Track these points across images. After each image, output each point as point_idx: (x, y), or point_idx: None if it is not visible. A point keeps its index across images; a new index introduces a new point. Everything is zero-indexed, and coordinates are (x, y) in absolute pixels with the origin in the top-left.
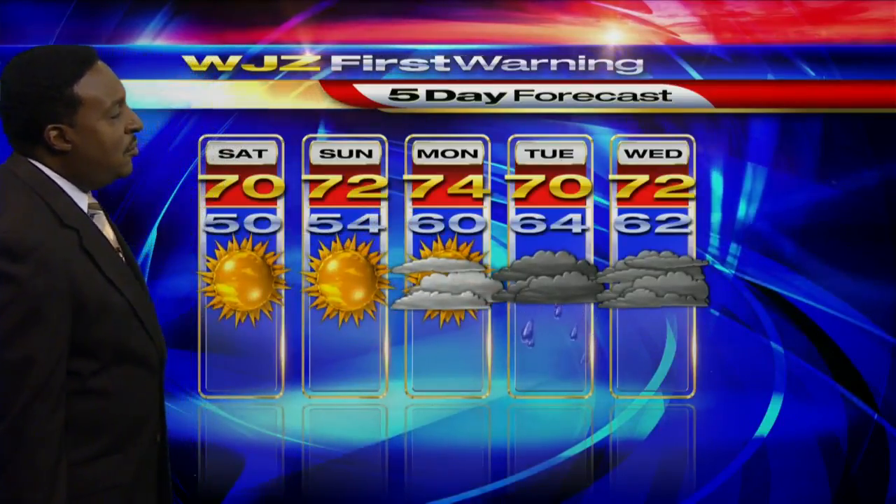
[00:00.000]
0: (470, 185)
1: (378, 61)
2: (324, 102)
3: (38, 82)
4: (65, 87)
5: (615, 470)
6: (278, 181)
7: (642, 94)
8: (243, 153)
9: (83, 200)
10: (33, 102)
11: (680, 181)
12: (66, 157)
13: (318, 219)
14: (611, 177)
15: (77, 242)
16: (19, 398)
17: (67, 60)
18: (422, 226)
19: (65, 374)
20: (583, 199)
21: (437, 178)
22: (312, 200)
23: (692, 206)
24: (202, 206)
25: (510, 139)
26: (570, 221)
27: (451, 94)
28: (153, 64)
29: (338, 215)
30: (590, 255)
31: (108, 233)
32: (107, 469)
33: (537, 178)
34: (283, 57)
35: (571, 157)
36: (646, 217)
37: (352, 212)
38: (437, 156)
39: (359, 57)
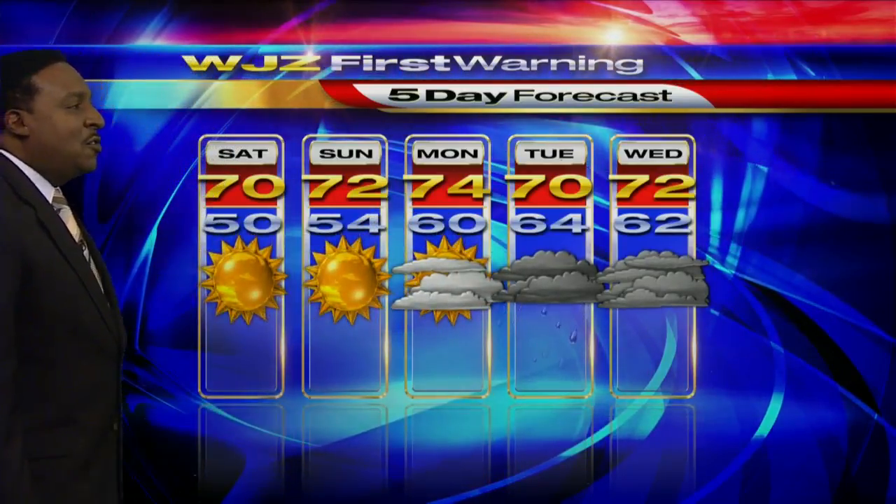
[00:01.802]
0: (470, 185)
1: (378, 61)
2: (324, 102)
3: (2, 74)
4: (23, 76)
5: (615, 470)
6: (278, 181)
7: (642, 94)
8: (243, 153)
9: (48, 192)
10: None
11: (680, 181)
12: (27, 144)
13: (318, 219)
14: (611, 177)
15: (34, 217)
16: None
17: (31, 56)
18: (422, 226)
19: (11, 329)
20: (583, 199)
21: (437, 178)
22: (312, 200)
23: (692, 206)
24: (202, 206)
25: (510, 139)
26: (570, 221)
27: (451, 94)
28: (153, 64)
29: (338, 215)
30: (590, 255)
31: (72, 227)
32: (52, 438)
33: (537, 178)
34: (283, 57)
35: (571, 157)
36: (646, 217)
37: (352, 212)
38: (437, 156)
39: (359, 57)
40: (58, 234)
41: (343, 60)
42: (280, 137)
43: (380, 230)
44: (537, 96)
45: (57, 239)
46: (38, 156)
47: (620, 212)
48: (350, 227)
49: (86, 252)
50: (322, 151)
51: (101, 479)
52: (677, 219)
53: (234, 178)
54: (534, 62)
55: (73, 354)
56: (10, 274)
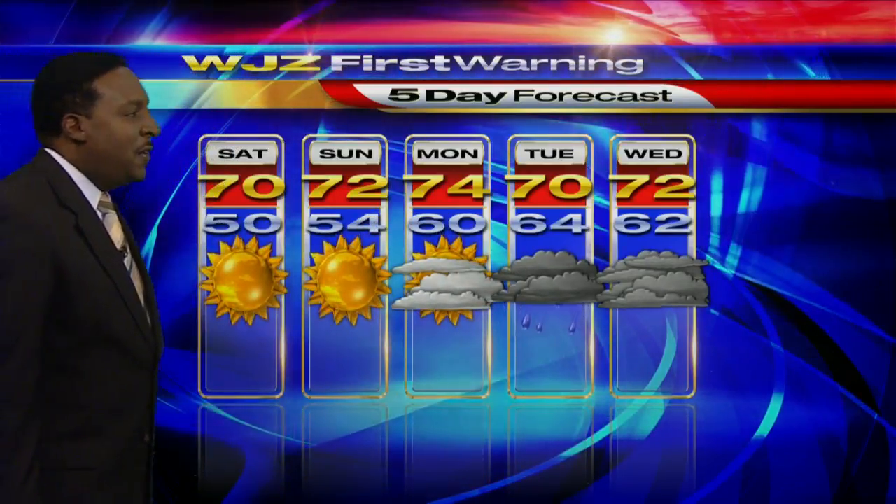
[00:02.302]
0: (470, 185)
1: (378, 61)
2: (324, 102)
3: (62, 76)
4: (85, 80)
5: (615, 470)
6: (278, 181)
7: (642, 94)
8: (243, 153)
9: (94, 195)
10: (55, 94)
11: (680, 181)
12: (81, 148)
13: (318, 219)
14: (611, 177)
15: (72, 223)
16: None
17: (92, 59)
18: (422, 226)
19: (36, 337)
20: (583, 199)
21: (437, 178)
22: (312, 200)
23: (692, 206)
24: (202, 206)
25: (510, 139)
26: (570, 221)
27: (451, 94)
28: (153, 64)
29: (338, 215)
30: (590, 255)
31: (115, 232)
32: (77, 449)
33: (537, 178)
34: (283, 57)
35: (571, 157)
36: (646, 217)
37: (352, 212)
38: (437, 156)
39: (359, 57)
40: (96, 241)
41: (343, 60)
42: (280, 137)
43: (380, 230)
44: (537, 96)
45: (94, 246)
46: (90, 161)
47: (620, 212)
48: (350, 227)
49: (127, 259)
50: (322, 151)
51: (128, 491)
52: (677, 219)
53: (234, 178)
54: (534, 62)
55: (105, 364)
56: (40, 282)
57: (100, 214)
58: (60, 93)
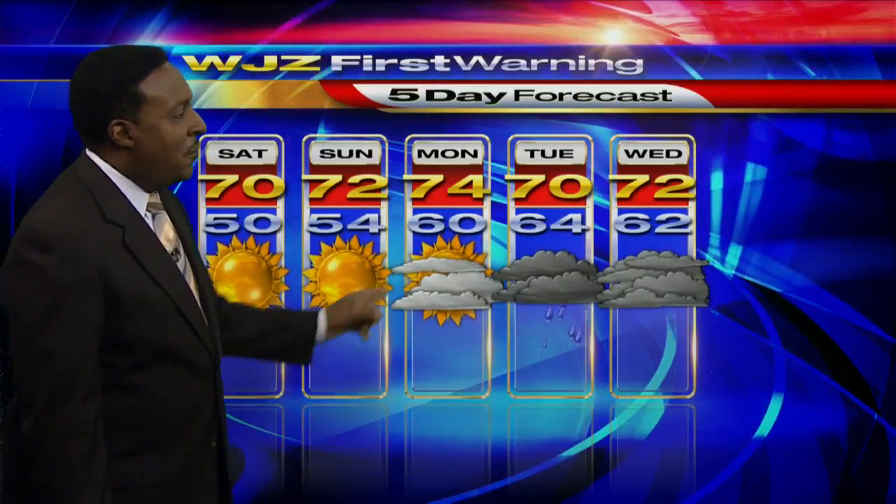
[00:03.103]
0: (470, 185)
1: (378, 61)
2: (324, 102)
3: (106, 79)
4: (130, 83)
5: (615, 470)
6: (278, 181)
7: (642, 94)
8: (243, 153)
9: (142, 199)
10: (100, 98)
11: (680, 181)
12: (128, 154)
13: (318, 219)
14: (611, 177)
15: (119, 238)
16: (43, 391)
17: (135, 59)
18: (422, 226)
19: (94, 365)
20: (583, 199)
21: (437, 178)
22: (312, 200)
23: (692, 206)
24: (202, 206)
25: (510, 139)
26: (570, 221)
27: (451, 94)
28: None
29: (338, 215)
30: (590, 255)
31: (167, 231)
32: (140, 467)
33: (537, 178)
34: (283, 57)
35: (571, 157)
36: (646, 217)
37: (352, 212)
38: (437, 156)
39: (359, 57)
40: (145, 255)
41: (343, 60)
42: (280, 137)
43: (380, 230)
44: (537, 96)
45: (144, 260)
46: (138, 166)
47: (620, 212)
48: (350, 226)
49: (181, 261)
50: (322, 151)
51: (195, 500)
52: (677, 219)
53: (234, 178)
54: (534, 62)
55: (165, 379)
56: (92, 311)
57: (150, 217)
58: (105, 98)
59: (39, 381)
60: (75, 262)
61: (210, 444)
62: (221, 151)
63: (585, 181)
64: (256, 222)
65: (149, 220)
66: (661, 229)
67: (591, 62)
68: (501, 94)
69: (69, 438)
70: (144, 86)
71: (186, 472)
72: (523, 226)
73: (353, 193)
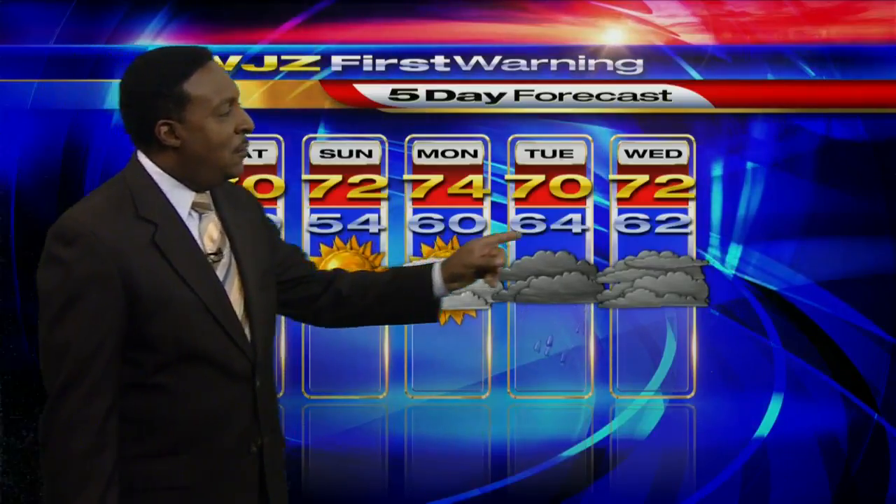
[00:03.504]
0: (470, 185)
1: (378, 61)
2: (324, 102)
3: (150, 80)
4: (175, 84)
5: (615, 470)
6: (278, 181)
7: (642, 94)
8: None
9: (186, 199)
10: (146, 100)
11: (680, 181)
12: (176, 154)
13: (318, 219)
14: (611, 177)
15: (149, 235)
16: (56, 382)
17: (179, 59)
18: (422, 226)
19: (108, 362)
20: (583, 199)
21: (437, 178)
22: (312, 200)
23: (692, 206)
24: None
25: (510, 139)
26: (570, 221)
27: (451, 94)
28: None
29: (338, 215)
30: (590, 255)
31: (211, 232)
32: (168, 468)
33: (537, 178)
34: (283, 57)
35: (571, 157)
36: (646, 217)
37: (352, 212)
38: (437, 156)
39: (359, 57)
40: (175, 254)
41: (343, 60)
42: (280, 137)
43: (380, 230)
44: (537, 96)
45: (174, 259)
46: (186, 166)
47: (620, 212)
48: (350, 226)
49: (224, 261)
50: (322, 151)
51: (230, 502)
52: (677, 219)
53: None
54: (534, 62)
55: (192, 380)
56: (109, 307)
57: (195, 217)
58: (151, 99)
59: (54, 372)
60: (94, 257)
61: (250, 449)
62: None
63: (585, 181)
64: None
65: (192, 220)
66: (661, 229)
67: (591, 62)
68: (501, 94)
69: (72, 432)
70: (189, 85)
71: (220, 475)
72: (523, 226)
73: (353, 193)
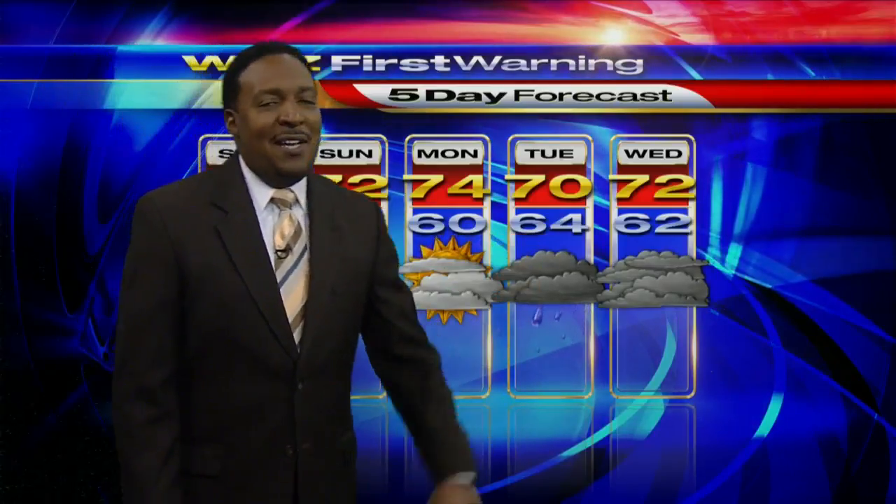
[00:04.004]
0: (470, 185)
1: (378, 61)
2: (324, 102)
3: (227, 72)
4: (234, 74)
5: (615, 470)
6: None
7: (642, 94)
8: None
9: (265, 192)
10: (223, 90)
11: (680, 181)
12: (240, 144)
13: None
14: (611, 177)
15: (215, 221)
16: (119, 352)
17: (248, 52)
18: (422, 226)
19: (165, 336)
20: (583, 199)
21: (437, 178)
22: None
23: (692, 206)
24: None
25: (510, 139)
26: (570, 221)
27: (451, 94)
28: (153, 64)
29: None
30: (590, 255)
31: (283, 228)
32: (200, 454)
33: (537, 178)
34: None
35: (571, 157)
36: (646, 217)
37: None
38: (437, 156)
39: (359, 57)
40: (234, 242)
41: (343, 60)
42: None
43: None
44: (537, 96)
45: (231, 247)
46: (246, 156)
47: (620, 212)
48: None
49: (287, 260)
50: (322, 151)
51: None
52: (677, 219)
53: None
54: (534, 62)
55: (229, 370)
56: (161, 283)
57: (275, 212)
58: (222, 90)
59: (119, 340)
60: (154, 235)
61: (285, 451)
62: (221, 151)
63: (585, 181)
64: None
65: (269, 214)
66: (661, 229)
67: (591, 62)
68: (501, 94)
69: (133, 401)
70: (242, 75)
71: (251, 472)
72: (523, 226)
73: None
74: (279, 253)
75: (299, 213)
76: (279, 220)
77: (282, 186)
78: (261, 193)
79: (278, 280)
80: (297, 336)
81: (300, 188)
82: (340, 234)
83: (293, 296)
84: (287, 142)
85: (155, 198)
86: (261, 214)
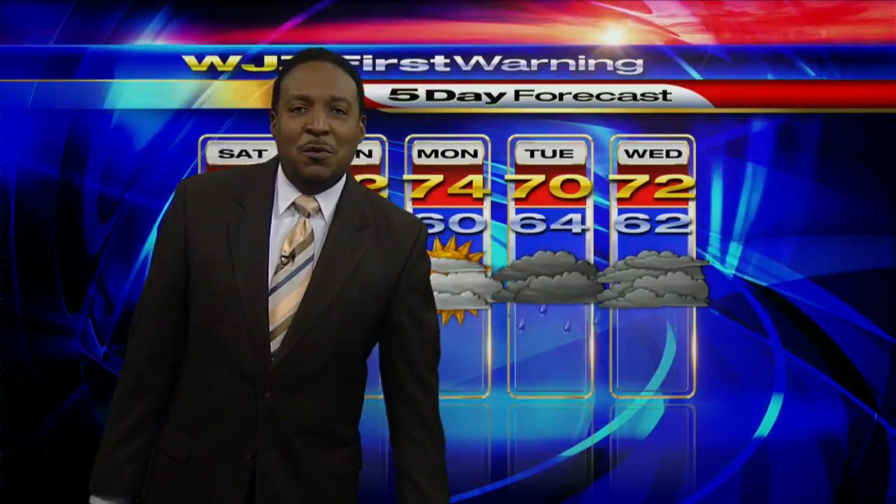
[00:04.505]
0: (470, 185)
1: (378, 61)
2: None
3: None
4: (280, 77)
5: (615, 470)
6: None
7: (642, 94)
8: (243, 153)
9: (289, 195)
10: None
11: (680, 181)
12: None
13: None
14: (611, 177)
15: (229, 216)
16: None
17: (296, 56)
18: None
19: (164, 314)
20: (583, 199)
21: (437, 178)
22: None
23: (692, 206)
24: None
25: (510, 139)
26: (570, 221)
27: (451, 94)
28: (153, 64)
29: None
30: (590, 255)
31: (294, 235)
32: (170, 437)
33: (537, 178)
34: (283, 57)
35: (571, 157)
36: (646, 217)
37: None
38: (437, 156)
39: (359, 57)
40: (237, 239)
41: None
42: None
43: None
44: (537, 96)
45: (232, 244)
46: (280, 158)
47: (620, 212)
48: None
49: (287, 267)
50: None
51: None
52: (677, 219)
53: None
54: (534, 62)
55: (205, 363)
56: (168, 262)
57: (293, 216)
58: (273, 90)
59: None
60: (174, 216)
61: (243, 455)
62: (221, 151)
63: (585, 181)
64: None
65: (286, 217)
66: (661, 229)
67: (591, 62)
68: (501, 94)
69: (123, 371)
70: (285, 79)
71: (210, 467)
72: (523, 226)
73: None
74: (283, 258)
75: (318, 224)
76: (293, 226)
77: (309, 192)
78: (285, 196)
79: (271, 285)
80: (276, 344)
81: (329, 199)
82: (362, 251)
83: (284, 304)
84: (311, 150)
85: (190, 182)
86: (278, 217)
